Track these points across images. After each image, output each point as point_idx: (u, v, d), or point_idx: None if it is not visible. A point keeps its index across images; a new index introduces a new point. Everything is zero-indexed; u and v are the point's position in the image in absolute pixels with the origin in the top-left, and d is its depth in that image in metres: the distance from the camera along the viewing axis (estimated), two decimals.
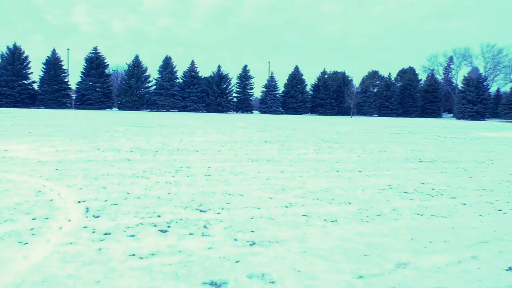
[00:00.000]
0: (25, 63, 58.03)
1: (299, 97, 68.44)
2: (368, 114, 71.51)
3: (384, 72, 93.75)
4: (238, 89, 68.85)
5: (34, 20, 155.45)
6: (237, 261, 3.29)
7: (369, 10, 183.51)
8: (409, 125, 35.72)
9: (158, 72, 64.40)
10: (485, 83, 69.34)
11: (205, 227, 4.23)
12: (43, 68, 59.28)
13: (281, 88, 70.03)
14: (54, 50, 60.02)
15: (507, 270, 3.26)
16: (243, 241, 3.80)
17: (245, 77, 68.61)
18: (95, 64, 60.59)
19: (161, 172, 7.52)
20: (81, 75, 61.10)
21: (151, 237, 3.86)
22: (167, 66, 63.83)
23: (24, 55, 58.16)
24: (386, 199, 5.79)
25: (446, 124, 40.26)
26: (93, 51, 61.99)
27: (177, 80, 64.63)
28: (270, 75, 69.81)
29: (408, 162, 10.02)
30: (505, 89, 77.19)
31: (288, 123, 31.59)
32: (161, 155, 10.01)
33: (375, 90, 76.82)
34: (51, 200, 5.15)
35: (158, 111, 61.38)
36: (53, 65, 58.93)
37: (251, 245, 3.70)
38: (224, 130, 20.67)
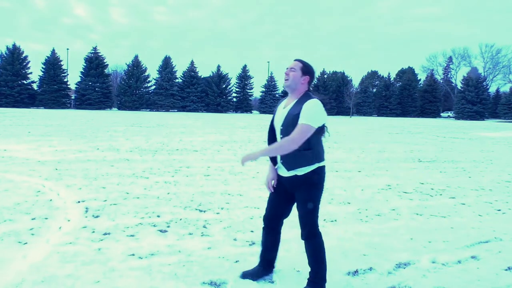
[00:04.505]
0: (24, 63, 57.97)
1: None
2: (367, 114, 71.54)
3: (383, 72, 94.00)
4: (237, 89, 68.84)
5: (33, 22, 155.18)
6: (236, 261, 3.29)
7: (369, 10, 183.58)
8: (409, 125, 35.74)
9: (157, 72, 64.39)
10: (484, 83, 69.44)
11: (204, 227, 4.23)
12: (43, 68, 59.23)
13: (280, 88, 70.01)
14: (53, 50, 60.00)
15: (506, 270, 3.26)
16: (243, 241, 3.80)
17: (244, 77, 68.63)
18: (94, 64, 60.55)
19: (160, 172, 7.51)
20: (81, 75, 61.05)
21: (150, 237, 3.85)
22: (166, 66, 63.81)
23: (24, 55, 58.13)
24: (385, 199, 5.79)
25: (446, 124, 40.30)
26: (93, 51, 61.95)
27: (177, 80, 64.60)
28: (269, 75, 69.86)
29: (407, 162, 10.03)
30: (504, 89, 77.24)
31: None
32: (160, 155, 10.01)
33: (374, 90, 76.86)
34: (51, 200, 5.14)
35: (158, 111, 61.35)
36: (53, 65, 58.86)
37: (250, 245, 3.70)
38: (224, 130, 20.67)
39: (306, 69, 2.66)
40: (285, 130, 2.61)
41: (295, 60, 2.70)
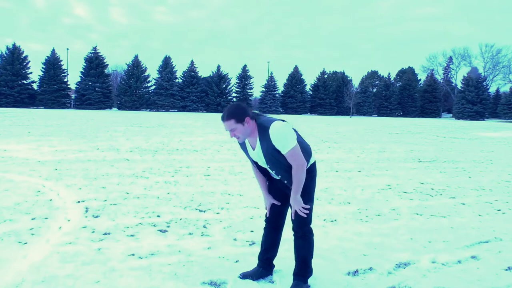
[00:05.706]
0: (24, 63, 57.94)
1: (298, 97, 68.43)
2: (367, 114, 71.50)
3: (383, 72, 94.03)
4: (237, 89, 68.78)
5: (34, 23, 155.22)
6: (236, 261, 3.29)
7: (369, 10, 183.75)
8: (409, 125, 35.74)
9: (157, 72, 64.34)
10: (484, 83, 69.40)
11: (204, 227, 4.23)
12: (43, 68, 59.19)
13: (280, 88, 70.02)
14: (53, 50, 59.98)
15: (506, 270, 3.26)
16: (243, 241, 3.80)
17: (244, 77, 68.56)
18: (94, 64, 60.52)
19: (160, 172, 7.52)
20: (81, 75, 61.01)
21: (150, 237, 3.86)
22: (166, 66, 63.76)
23: (24, 55, 58.10)
24: (386, 199, 5.79)
25: (446, 124, 40.29)
26: (93, 51, 61.92)
27: (177, 80, 64.55)
28: (269, 75, 69.81)
29: (407, 162, 10.03)
30: (505, 89, 77.18)
31: None
32: (160, 155, 10.01)
33: (374, 90, 76.84)
34: (51, 200, 5.14)
35: (158, 111, 61.32)
36: (53, 65, 58.84)
37: (250, 245, 3.70)
38: (224, 130, 20.66)
39: (240, 116, 2.54)
40: (274, 166, 2.67)
41: (224, 121, 2.57)
